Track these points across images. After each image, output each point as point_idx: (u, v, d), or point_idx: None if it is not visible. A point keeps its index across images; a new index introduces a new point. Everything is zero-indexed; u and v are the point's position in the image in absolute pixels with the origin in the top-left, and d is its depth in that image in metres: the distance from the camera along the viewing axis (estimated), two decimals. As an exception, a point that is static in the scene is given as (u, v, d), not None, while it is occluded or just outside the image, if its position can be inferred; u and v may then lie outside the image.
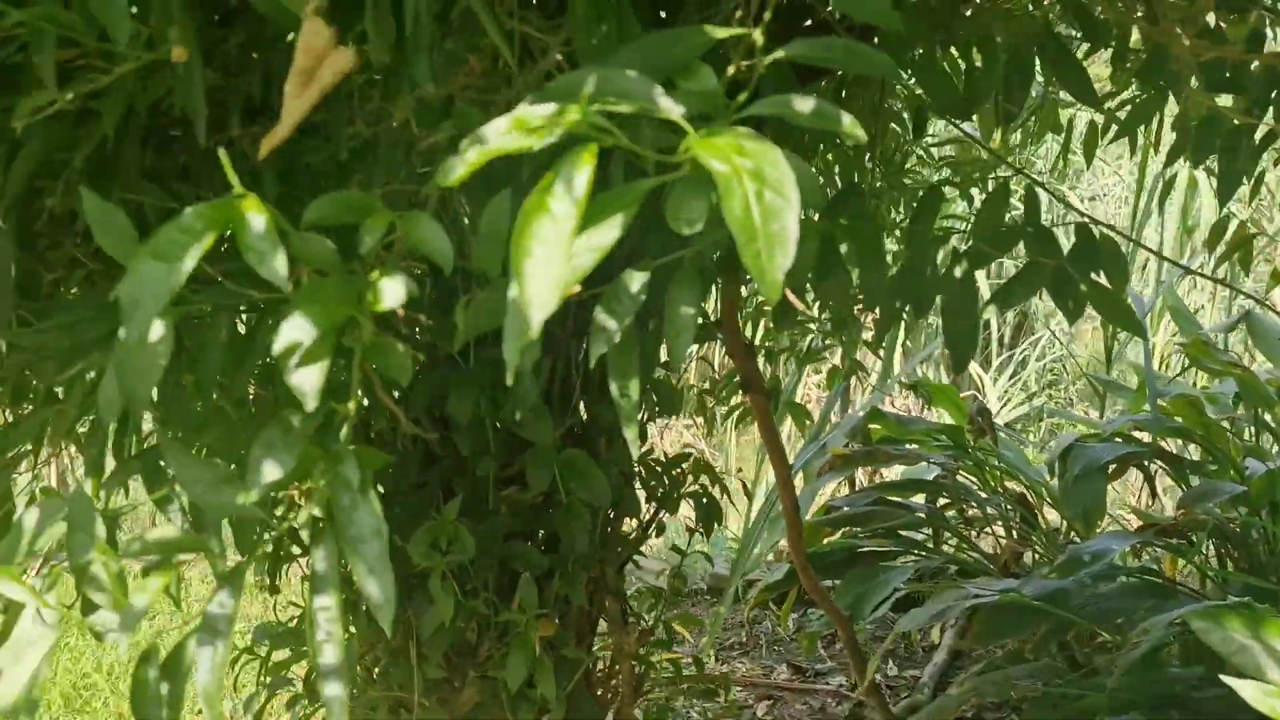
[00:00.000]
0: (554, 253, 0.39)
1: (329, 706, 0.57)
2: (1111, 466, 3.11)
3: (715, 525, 1.97)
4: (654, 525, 1.81)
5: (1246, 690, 0.90)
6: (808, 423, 3.38)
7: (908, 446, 3.48)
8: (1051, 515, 3.69)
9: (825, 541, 3.41)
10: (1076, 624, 2.77)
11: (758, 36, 0.54)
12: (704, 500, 1.91)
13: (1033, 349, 6.46)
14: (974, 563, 3.44)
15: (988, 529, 3.59)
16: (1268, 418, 3.19)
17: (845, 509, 3.51)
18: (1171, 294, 3.73)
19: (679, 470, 1.77)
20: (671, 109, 0.49)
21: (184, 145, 0.92)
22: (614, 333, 0.61)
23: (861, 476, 4.37)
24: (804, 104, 0.49)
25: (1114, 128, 2.39)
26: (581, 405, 1.69)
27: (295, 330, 0.50)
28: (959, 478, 3.53)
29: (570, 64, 0.75)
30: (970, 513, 3.59)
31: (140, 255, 0.47)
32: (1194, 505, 3.04)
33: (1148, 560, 3.53)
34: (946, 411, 3.54)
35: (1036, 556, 3.53)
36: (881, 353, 3.69)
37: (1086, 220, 0.97)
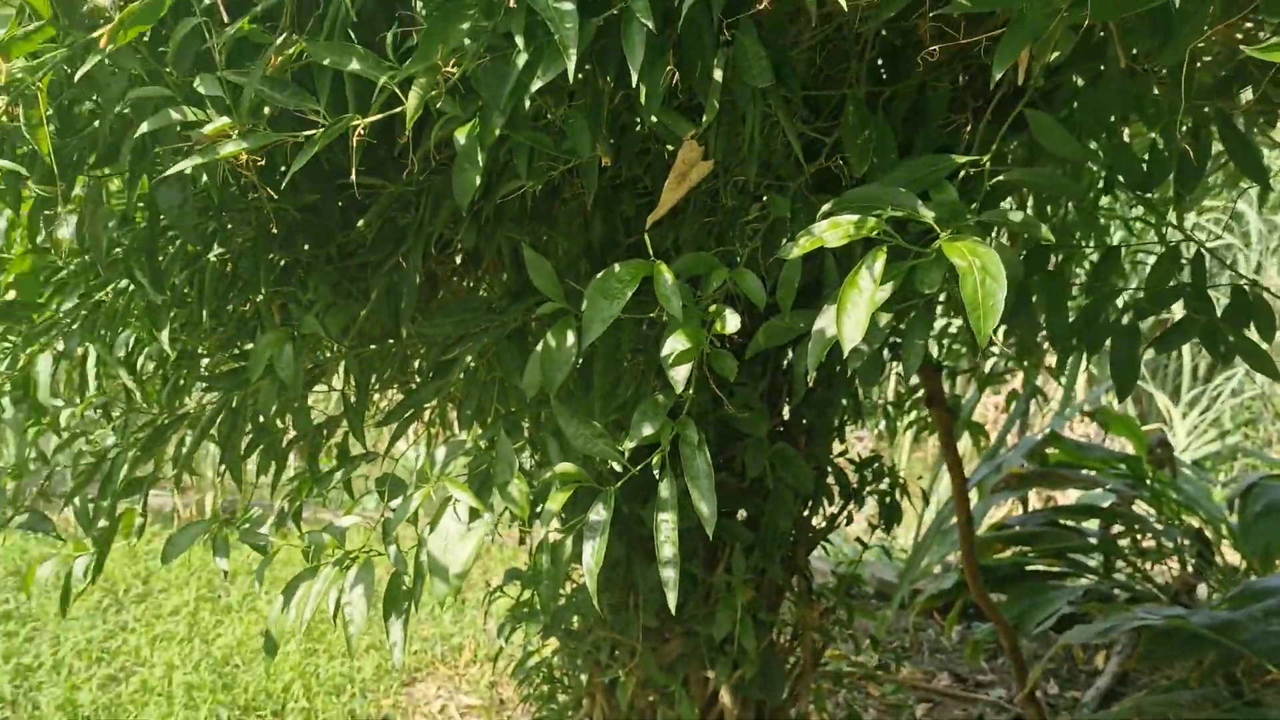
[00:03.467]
0: (860, 311, 0.67)
1: (665, 585, 0.87)
2: (1294, 507, 3.12)
3: (896, 525, 2.20)
4: (843, 516, 2.06)
5: None
6: (984, 441, 3.54)
7: (1084, 472, 3.56)
8: (1231, 553, 3.68)
9: (995, 557, 3.54)
10: (1244, 656, 2.82)
11: (986, 163, 0.81)
12: (887, 500, 2.15)
13: (1227, 384, 6.18)
14: (1145, 591, 3.48)
15: (1162, 561, 3.61)
16: None
17: (1017, 527, 3.64)
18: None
19: (869, 471, 2.01)
20: (928, 215, 0.77)
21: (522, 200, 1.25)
22: (864, 353, 0.89)
23: (1034, 499, 4.43)
24: (1017, 216, 0.76)
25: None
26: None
27: (676, 343, 0.80)
28: (1135, 507, 3.57)
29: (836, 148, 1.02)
30: (1145, 543, 3.62)
31: (594, 295, 0.78)
32: (1380, 552, 3.03)
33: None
34: (1128, 441, 3.60)
35: (1211, 592, 3.54)
36: (1063, 380, 3.78)
37: (1245, 281, 1.17)
